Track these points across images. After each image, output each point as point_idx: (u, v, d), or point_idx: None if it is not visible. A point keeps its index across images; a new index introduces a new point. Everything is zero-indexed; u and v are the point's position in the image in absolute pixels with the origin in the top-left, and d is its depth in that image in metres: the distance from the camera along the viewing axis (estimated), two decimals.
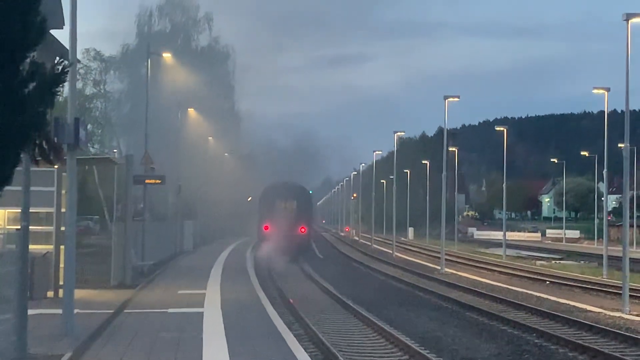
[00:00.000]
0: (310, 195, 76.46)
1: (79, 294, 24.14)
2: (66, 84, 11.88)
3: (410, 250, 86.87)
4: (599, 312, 30.91)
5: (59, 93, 11.34)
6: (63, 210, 23.36)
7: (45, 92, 10.99)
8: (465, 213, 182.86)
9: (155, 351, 16.77)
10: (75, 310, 19.50)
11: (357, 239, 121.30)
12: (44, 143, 12.16)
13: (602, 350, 21.70)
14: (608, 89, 50.09)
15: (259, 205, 70.34)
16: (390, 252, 77.24)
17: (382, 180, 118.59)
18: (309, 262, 63.20)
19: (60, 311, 18.99)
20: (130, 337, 18.83)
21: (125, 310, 24.03)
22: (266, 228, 64.82)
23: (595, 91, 50.79)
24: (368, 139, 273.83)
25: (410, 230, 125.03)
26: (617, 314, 30.23)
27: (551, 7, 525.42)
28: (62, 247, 22.85)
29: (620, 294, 32.81)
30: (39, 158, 12.65)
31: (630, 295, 32.62)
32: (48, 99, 11.04)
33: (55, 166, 22.45)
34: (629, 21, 32.89)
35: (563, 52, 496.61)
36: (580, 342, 23.16)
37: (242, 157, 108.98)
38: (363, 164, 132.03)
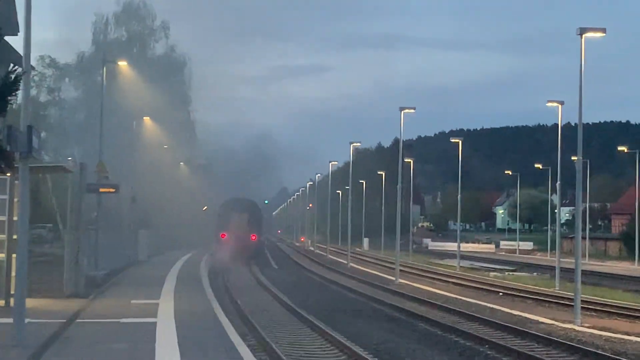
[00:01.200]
0: (259, 209, 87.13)
1: (30, 303, 23.91)
2: (20, 92, 11.75)
3: (365, 260, 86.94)
4: (551, 324, 31.11)
5: (11, 101, 11.26)
6: (15, 218, 23.13)
7: None
8: (420, 224, 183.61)
9: None
10: (27, 320, 19.31)
11: (312, 249, 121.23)
12: None
13: None
14: (562, 103, 50.63)
15: (217, 217, 79.89)
16: (345, 262, 77.26)
17: (337, 191, 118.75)
18: (263, 272, 63.17)
19: (11, 320, 18.78)
20: (83, 347, 18.68)
21: (78, 320, 23.82)
22: (223, 236, 75.51)
23: (549, 104, 51.28)
24: (324, 150, 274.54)
25: (366, 241, 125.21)
26: (569, 326, 30.45)
27: (507, 22, 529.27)
28: (13, 255, 22.63)
29: (572, 305, 33.06)
30: None
31: (582, 307, 32.90)
32: (0, 106, 10.96)
33: (8, 174, 22.24)
34: (583, 35, 33.23)
35: (518, 66, 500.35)
36: (532, 353, 23.31)
37: (198, 166, 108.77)
38: (319, 175, 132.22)
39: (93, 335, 20.75)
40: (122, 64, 56.59)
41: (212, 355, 17.64)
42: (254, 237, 77.22)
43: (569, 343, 25.40)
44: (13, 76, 11.16)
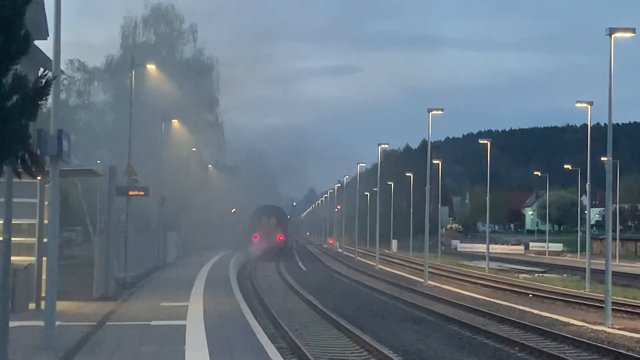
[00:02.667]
0: (285, 213, 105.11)
1: (60, 305, 24.05)
2: (49, 96, 11.81)
3: (393, 262, 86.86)
4: (581, 326, 30.96)
5: (42, 106, 11.32)
6: (46, 221, 23.26)
7: (28, 105, 10.97)
8: (448, 225, 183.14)
9: None
10: (57, 323, 19.43)
11: (340, 251, 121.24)
12: (26, 155, 12.09)
13: None
14: (591, 103, 50.31)
15: (250, 221, 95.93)
16: (374, 264, 77.24)
17: (366, 193, 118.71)
18: (292, 274, 63.23)
19: (42, 323, 18.90)
20: (112, 350, 18.76)
21: (108, 323, 23.93)
22: (255, 237, 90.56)
23: (578, 105, 50.99)
24: (353, 152, 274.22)
25: (394, 243, 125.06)
26: (600, 328, 30.29)
27: (535, 20, 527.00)
28: (44, 258, 22.77)
29: (602, 307, 32.88)
30: (20, 170, 12.57)
31: (612, 309, 32.71)
32: (31, 111, 11.02)
33: (38, 178, 22.37)
34: (612, 36, 33.05)
35: (546, 66, 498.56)
36: (562, 355, 23.21)
37: (226, 168, 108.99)
38: (347, 176, 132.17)
39: (123, 338, 20.83)
40: (151, 67, 56.75)
41: (240, 357, 17.67)
42: (281, 238, 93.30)
43: (599, 345, 25.26)
44: (44, 81, 11.20)
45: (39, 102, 11.18)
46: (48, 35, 27.27)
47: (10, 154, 11.21)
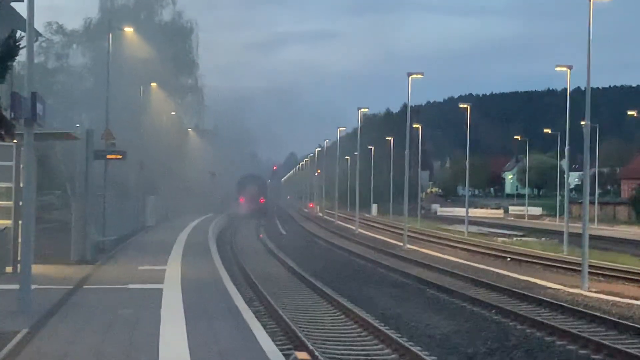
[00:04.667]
0: (265, 181, 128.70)
1: (38, 269, 23.96)
2: (18, 57, 11.63)
3: (373, 226, 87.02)
4: (558, 289, 31.12)
5: (10, 67, 11.15)
6: (22, 185, 23.10)
7: None
8: (428, 190, 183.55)
9: (112, 328, 16.66)
10: (34, 286, 19.33)
11: (321, 215, 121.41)
12: None
13: (559, 327, 21.85)
14: (570, 67, 50.36)
15: (236, 187, 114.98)
16: (354, 228, 77.37)
17: (346, 157, 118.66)
18: (271, 238, 63.30)
19: (18, 287, 18.81)
20: (89, 313, 18.70)
21: (85, 286, 23.85)
22: (242, 200, 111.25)
23: (557, 69, 50.98)
24: (333, 116, 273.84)
25: (374, 207, 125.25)
26: (577, 291, 30.45)
27: None
28: (20, 222, 22.63)
29: (580, 270, 33.04)
30: None
31: (589, 272, 32.88)
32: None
33: (14, 141, 22.21)
34: (591, 0, 33.01)
35: (528, 30, 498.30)
36: (538, 318, 23.33)
37: (206, 132, 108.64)
38: (327, 140, 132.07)
39: (99, 301, 20.78)
40: (129, 30, 56.33)
41: (217, 321, 17.66)
42: (262, 200, 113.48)
43: (575, 308, 25.42)
44: (12, 42, 11.02)
45: (8, 64, 11.01)
46: None
47: None
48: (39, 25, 64.70)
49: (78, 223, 31.67)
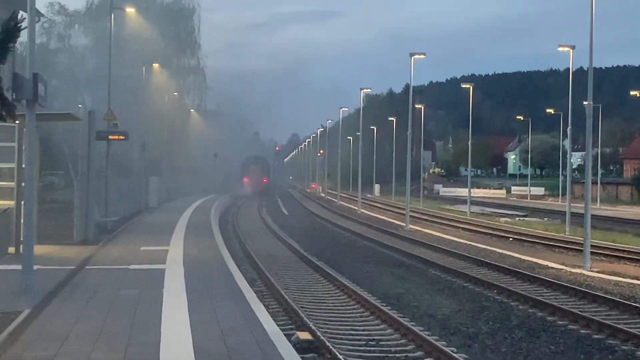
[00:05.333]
0: (268, 162, 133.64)
1: (40, 250, 24.04)
2: (20, 38, 11.61)
3: (375, 207, 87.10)
4: (560, 269, 31.17)
5: (12, 49, 11.13)
6: (24, 166, 23.12)
7: None
8: (431, 170, 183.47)
9: (114, 308, 16.71)
10: (36, 267, 19.37)
11: (323, 195, 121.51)
12: None
13: (561, 307, 21.87)
14: (573, 47, 50.27)
15: (240, 167, 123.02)
16: (356, 208, 77.43)
17: (348, 137, 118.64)
18: (274, 218, 63.37)
19: (20, 267, 18.85)
20: (91, 293, 18.75)
21: (87, 267, 23.90)
22: (245, 180, 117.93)
23: (560, 49, 50.92)
24: (335, 96, 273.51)
25: (377, 187, 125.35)
26: (578, 271, 30.50)
27: None
28: (23, 202, 22.65)
29: (582, 250, 33.09)
30: None
31: (591, 252, 32.99)
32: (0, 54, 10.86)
33: (16, 122, 22.22)
34: None
35: (531, 9, 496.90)
36: (540, 298, 23.35)
37: (209, 113, 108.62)
38: (330, 121, 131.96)
39: (101, 281, 20.83)
40: (130, 10, 56.24)
41: (219, 301, 17.70)
42: (265, 180, 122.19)
43: (577, 288, 25.44)
44: (13, 23, 10.99)
45: (9, 45, 10.99)
46: None
47: None
48: (41, 5, 64.63)
49: (80, 204, 31.73)
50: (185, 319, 15.34)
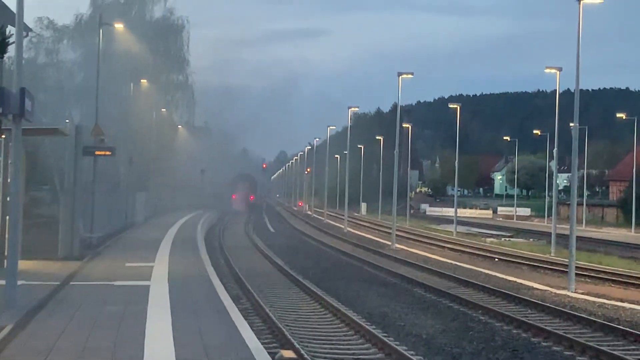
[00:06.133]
0: (255, 180, 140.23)
1: (25, 265, 23.95)
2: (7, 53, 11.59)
3: (362, 225, 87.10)
4: (545, 290, 31.21)
5: (0, 63, 11.13)
6: (9, 180, 23.03)
7: None
8: (418, 189, 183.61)
9: (98, 324, 16.65)
10: (20, 282, 19.30)
11: (310, 213, 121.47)
12: None
13: (545, 328, 21.91)
14: (560, 69, 50.51)
15: (229, 185, 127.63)
16: (343, 227, 77.42)
17: (336, 156, 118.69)
18: (260, 235, 63.30)
19: (3, 282, 18.77)
20: (75, 309, 18.69)
21: (71, 283, 23.83)
22: (234, 197, 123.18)
23: (547, 71, 51.16)
24: (323, 115, 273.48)
25: (363, 206, 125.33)
26: (563, 292, 30.54)
27: None
28: (7, 217, 22.57)
29: (567, 272, 33.14)
30: None
31: (576, 274, 33.02)
32: None
33: (2, 136, 22.17)
34: (581, 2, 33.12)
35: (518, 31, 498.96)
36: (524, 319, 23.37)
37: (197, 129, 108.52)
38: (317, 139, 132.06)
39: (86, 297, 20.76)
40: (119, 26, 56.24)
41: (204, 319, 17.67)
42: (252, 197, 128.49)
43: (561, 309, 25.47)
44: (1, 37, 10.99)
45: None
46: None
47: None
48: (29, 20, 64.52)
49: (66, 219, 31.65)
50: (169, 336, 15.31)
